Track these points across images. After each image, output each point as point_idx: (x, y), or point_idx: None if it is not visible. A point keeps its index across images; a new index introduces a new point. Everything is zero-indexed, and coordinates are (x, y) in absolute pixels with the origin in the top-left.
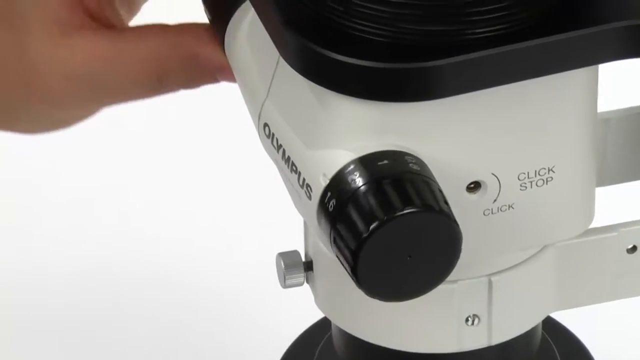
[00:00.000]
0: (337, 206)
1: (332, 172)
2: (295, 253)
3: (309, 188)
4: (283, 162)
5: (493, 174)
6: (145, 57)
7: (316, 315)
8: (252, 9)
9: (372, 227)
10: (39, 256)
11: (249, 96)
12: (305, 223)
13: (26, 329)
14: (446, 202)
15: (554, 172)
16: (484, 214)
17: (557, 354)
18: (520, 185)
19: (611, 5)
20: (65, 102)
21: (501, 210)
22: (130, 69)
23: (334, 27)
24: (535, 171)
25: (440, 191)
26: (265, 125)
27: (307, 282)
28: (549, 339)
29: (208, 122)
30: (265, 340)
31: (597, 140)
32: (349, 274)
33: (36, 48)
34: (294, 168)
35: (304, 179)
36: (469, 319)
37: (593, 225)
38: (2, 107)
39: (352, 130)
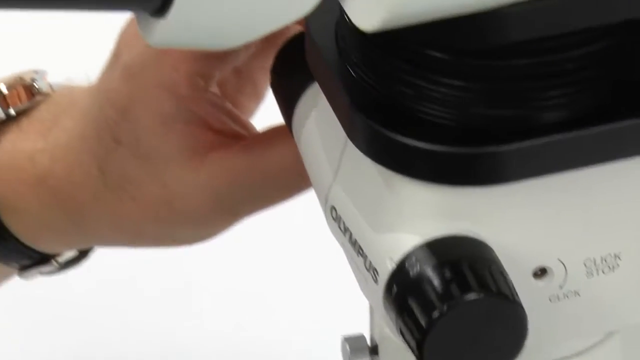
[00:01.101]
0: (403, 292)
1: (398, 256)
2: (360, 337)
3: (375, 272)
4: (350, 245)
5: (559, 260)
6: (285, 161)
7: None
8: (320, 91)
9: (433, 317)
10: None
11: (316, 179)
12: (371, 307)
13: None
14: (510, 286)
15: (620, 259)
16: (549, 300)
17: None
18: (587, 272)
19: None
20: (211, 221)
21: (567, 296)
22: (272, 177)
23: (403, 110)
24: (602, 257)
25: (505, 276)
26: (333, 208)
27: None
28: None
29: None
30: None
31: None
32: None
33: (176, 178)
34: (361, 251)
35: (370, 263)
36: None
37: None
38: (150, 232)
39: (419, 214)
